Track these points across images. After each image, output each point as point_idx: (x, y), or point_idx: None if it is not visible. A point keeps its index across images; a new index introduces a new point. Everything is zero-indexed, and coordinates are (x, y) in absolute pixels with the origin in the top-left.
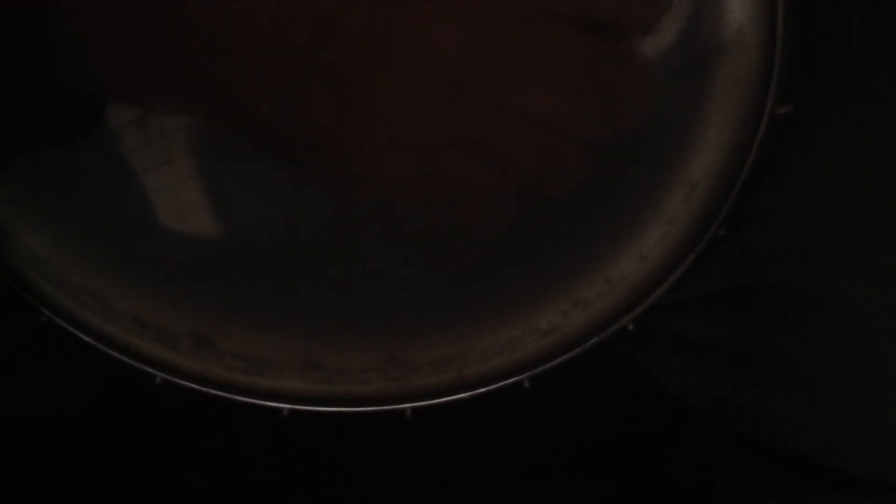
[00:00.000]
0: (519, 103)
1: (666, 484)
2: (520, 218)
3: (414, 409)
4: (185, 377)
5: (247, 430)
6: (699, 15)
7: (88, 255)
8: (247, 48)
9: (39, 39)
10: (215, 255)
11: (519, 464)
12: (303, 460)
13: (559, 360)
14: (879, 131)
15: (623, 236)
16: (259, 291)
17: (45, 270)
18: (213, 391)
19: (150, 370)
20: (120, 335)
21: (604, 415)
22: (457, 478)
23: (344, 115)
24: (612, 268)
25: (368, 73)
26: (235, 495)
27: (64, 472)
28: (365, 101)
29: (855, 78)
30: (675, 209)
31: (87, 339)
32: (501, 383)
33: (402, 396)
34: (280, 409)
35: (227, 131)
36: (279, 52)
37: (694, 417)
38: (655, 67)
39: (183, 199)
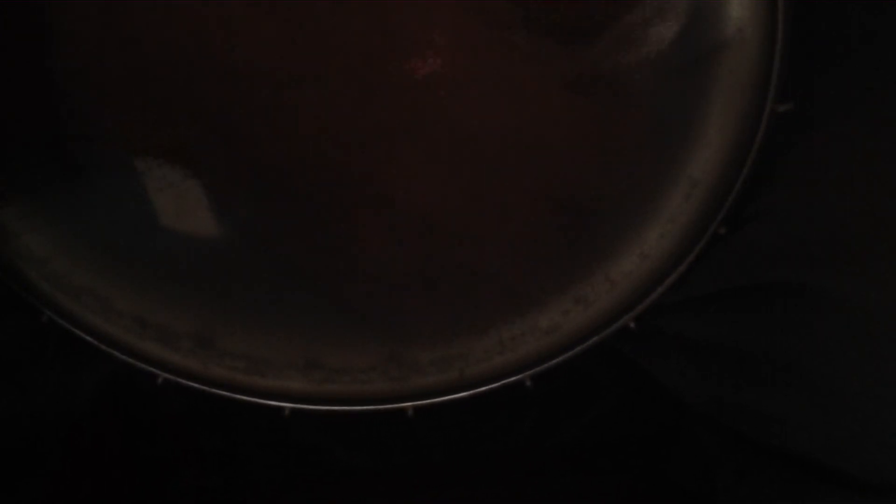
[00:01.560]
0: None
1: (666, 484)
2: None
3: (415, 408)
4: (186, 377)
5: (248, 430)
6: (700, 13)
7: (88, 255)
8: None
9: (44, 94)
10: (215, 255)
11: (520, 463)
12: (304, 460)
13: (560, 358)
14: (879, 130)
15: (624, 235)
16: (259, 291)
17: (45, 270)
18: (214, 390)
19: (152, 370)
20: (121, 335)
21: (605, 415)
22: (459, 477)
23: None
24: (613, 266)
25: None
26: (236, 495)
27: (64, 472)
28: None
29: (855, 77)
30: (675, 208)
31: (89, 339)
32: (502, 382)
33: (403, 396)
34: (281, 409)
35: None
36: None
37: (694, 417)
38: (657, 65)
39: (183, 199)
